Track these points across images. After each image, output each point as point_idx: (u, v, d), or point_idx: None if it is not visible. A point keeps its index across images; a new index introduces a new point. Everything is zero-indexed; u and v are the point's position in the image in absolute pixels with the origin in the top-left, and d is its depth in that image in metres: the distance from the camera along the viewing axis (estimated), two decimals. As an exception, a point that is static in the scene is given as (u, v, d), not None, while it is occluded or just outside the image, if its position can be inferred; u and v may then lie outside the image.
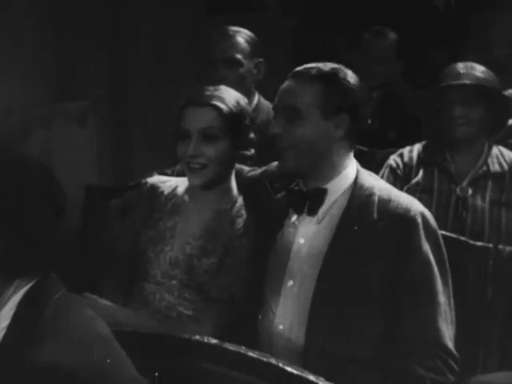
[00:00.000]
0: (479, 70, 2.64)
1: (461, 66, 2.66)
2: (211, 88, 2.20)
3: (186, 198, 2.24)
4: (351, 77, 1.98)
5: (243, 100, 2.24)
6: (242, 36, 2.89)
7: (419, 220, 1.89)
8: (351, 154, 2.01)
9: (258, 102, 2.96)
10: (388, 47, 3.78)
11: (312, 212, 1.98)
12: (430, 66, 4.27)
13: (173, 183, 2.29)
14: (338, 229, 1.93)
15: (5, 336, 1.27)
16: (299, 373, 1.45)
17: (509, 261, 2.24)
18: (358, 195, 1.94)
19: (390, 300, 1.87)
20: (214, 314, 2.10)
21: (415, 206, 1.93)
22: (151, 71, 3.46)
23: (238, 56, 2.87)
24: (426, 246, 1.88)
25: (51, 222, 1.33)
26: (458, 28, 4.49)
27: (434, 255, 1.89)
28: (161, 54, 3.48)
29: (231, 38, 2.88)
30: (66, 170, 2.94)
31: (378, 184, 1.99)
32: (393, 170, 2.76)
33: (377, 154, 3.15)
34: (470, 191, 2.63)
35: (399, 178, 2.74)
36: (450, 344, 1.84)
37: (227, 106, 2.16)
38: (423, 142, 2.79)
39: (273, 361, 1.47)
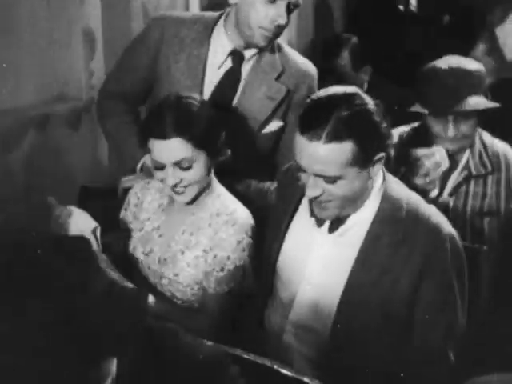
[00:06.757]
0: (470, 74, 2.46)
1: (449, 76, 2.44)
2: (169, 111, 2.03)
3: (172, 198, 2.22)
4: (372, 120, 1.87)
5: (207, 106, 2.13)
6: None
7: (447, 245, 1.88)
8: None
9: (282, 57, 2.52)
10: (349, 52, 3.90)
11: (332, 230, 1.98)
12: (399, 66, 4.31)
13: (159, 185, 2.25)
14: (364, 244, 1.92)
15: None
16: (294, 375, 1.45)
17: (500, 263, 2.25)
18: (384, 209, 1.93)
19: (404, 317, 1.90)
20: (213, 304, 2.11)
21: (444, 226, 1.92)
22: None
23: None
24: (452, 272, 1.89)
25: None
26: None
27: (458, 280, 1.90)
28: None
29: None
30: (60, 171, 2.94)
31: (406, 195, 1.96)
32: None
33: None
34: (451, 202, 2.58)
35: None
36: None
37: (193, 131, 2.04)
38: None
39: (267, 363, 1.47)
